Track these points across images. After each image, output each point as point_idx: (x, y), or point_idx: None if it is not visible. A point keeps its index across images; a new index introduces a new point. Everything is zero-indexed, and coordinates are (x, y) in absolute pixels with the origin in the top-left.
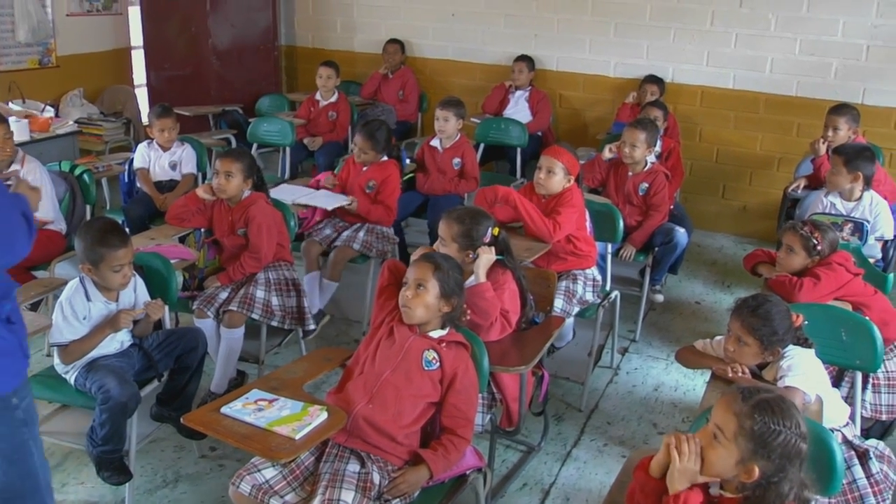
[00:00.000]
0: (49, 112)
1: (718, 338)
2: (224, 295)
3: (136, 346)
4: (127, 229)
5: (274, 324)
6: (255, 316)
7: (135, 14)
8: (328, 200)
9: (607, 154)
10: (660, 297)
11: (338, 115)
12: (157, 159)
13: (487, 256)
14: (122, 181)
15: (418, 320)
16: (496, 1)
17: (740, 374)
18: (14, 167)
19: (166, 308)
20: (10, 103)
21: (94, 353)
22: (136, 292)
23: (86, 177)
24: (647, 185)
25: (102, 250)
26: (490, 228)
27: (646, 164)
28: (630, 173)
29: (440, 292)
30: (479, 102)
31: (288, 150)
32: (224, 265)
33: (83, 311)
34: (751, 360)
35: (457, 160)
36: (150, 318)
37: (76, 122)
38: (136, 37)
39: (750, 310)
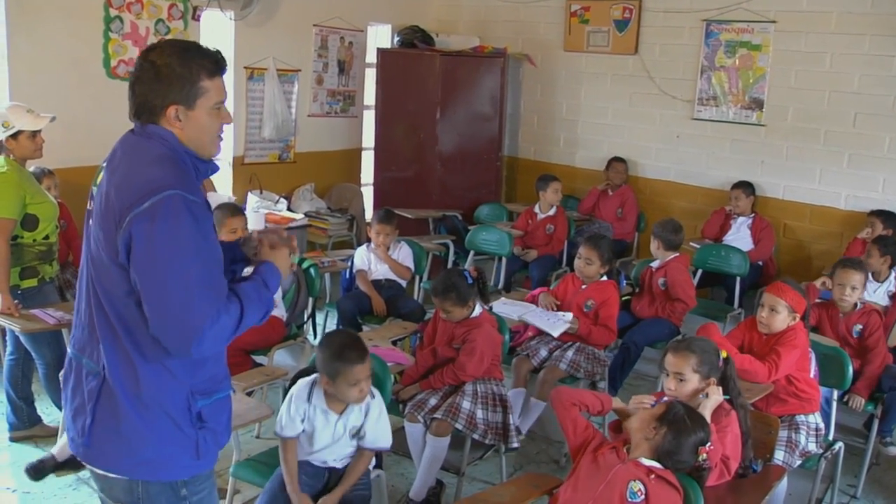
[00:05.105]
0: (283, 203)
1: None
2: (434, 401)
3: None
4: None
5: (475, 437)
6: (458, 426)
7: (369, 117)
8: (553, 324)
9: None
10: (893, 450)
11: (555, 229)
12: (377, 260)
13: (716, 397)
14: (343, 277)
15: (630, 426)
16: (723, 126)
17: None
18: None
19: None
20: (249, 193)
21: (307, 458)
22: (366, 415)
23: (312, 270)
24: (860, 326)
25: (339, 365)
26: (719, 352)
27: (856, 304)
28: (841, 315)
29: (658, 415)
30: (699, 226)
31: (504, 259)
32: (431, 371)
33: (301, 412)
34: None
35: (661, 280)
36: None
37: (305, 214)
38: (368, 139)
39: None
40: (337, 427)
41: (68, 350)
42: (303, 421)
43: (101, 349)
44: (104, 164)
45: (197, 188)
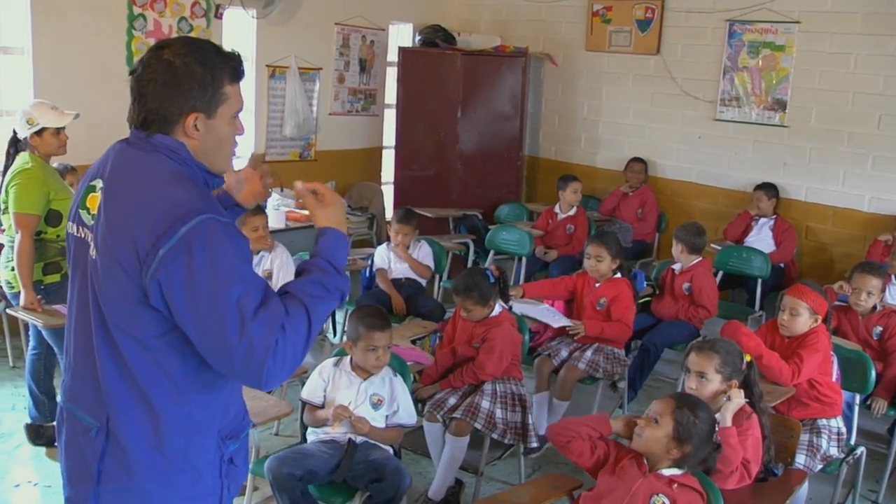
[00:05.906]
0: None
1: None
2: (453, 401)
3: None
4: None
5: (494, 436)
6: (477, 426)
7: (390, 116)
8: (556, 319)
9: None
10: None
11: (575, 229)
12: (397, 259)
13: (738, 400)
14: (363, 275)
15: (642, 449)
16: (746, 127)
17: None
18: (263, 254)
19: None
20: (270, 191)
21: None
22: (393, 388)
23: None
24: (881, 328)
25: (362, 329)
26: (742, 355)
27: (875, 307)
28: (860, 317)
29: (672, 433)
30: (720, 228)
31: (524, 259)
32: (451, 370)
33: (327, 375)
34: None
35: (686, 284)
36: (356, 430)
37: None
38: (389, 137)
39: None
40: (360, 389)
41: (59, 398)
42: (325, 389)
43: (105, 400)
44: (97, 185)
45: (221, 208)
